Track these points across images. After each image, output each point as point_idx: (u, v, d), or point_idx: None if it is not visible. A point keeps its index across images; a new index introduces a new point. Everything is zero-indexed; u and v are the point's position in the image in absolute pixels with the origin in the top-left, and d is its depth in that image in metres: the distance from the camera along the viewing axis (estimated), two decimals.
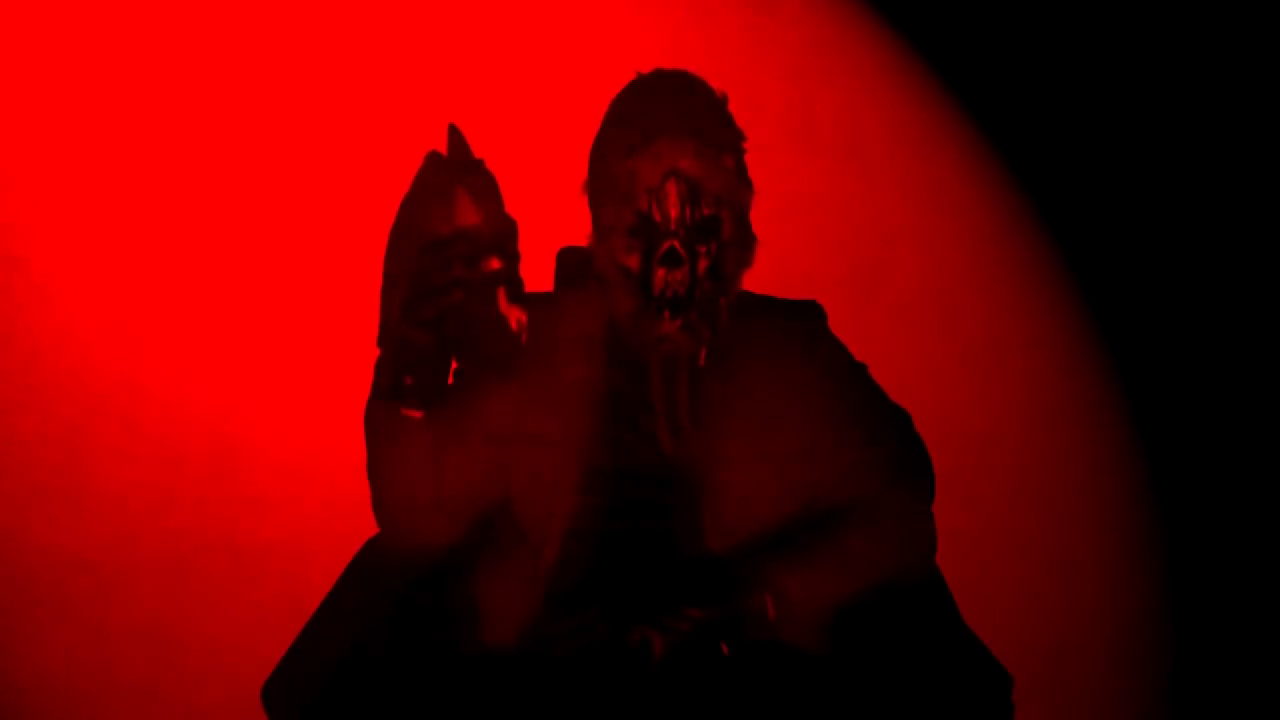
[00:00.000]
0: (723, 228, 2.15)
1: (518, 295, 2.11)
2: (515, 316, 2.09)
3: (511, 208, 2.41)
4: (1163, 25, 2.74)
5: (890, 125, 2.72)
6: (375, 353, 2.53)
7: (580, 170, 2.25)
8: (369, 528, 2.27)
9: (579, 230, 2.29)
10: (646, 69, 2.26)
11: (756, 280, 2.24)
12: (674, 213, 2.12)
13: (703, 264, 2.14)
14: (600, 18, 2.63)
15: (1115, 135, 2.76)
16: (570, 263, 2.55)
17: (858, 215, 2.72)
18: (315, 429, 2.58)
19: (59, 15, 2.52)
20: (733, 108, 2.23)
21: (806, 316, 2.29)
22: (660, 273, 2.12)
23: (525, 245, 2.15)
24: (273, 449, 2.58)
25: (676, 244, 2.12)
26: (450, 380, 2.26)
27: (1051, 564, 2.74)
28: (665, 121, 2.12)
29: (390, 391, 2.11)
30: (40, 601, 2.53)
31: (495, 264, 2.04)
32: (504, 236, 2.07)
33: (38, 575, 2.53)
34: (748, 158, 2.23)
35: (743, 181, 2.19)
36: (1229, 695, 2.75)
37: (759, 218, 2.23)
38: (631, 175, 2.12)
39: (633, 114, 2.16)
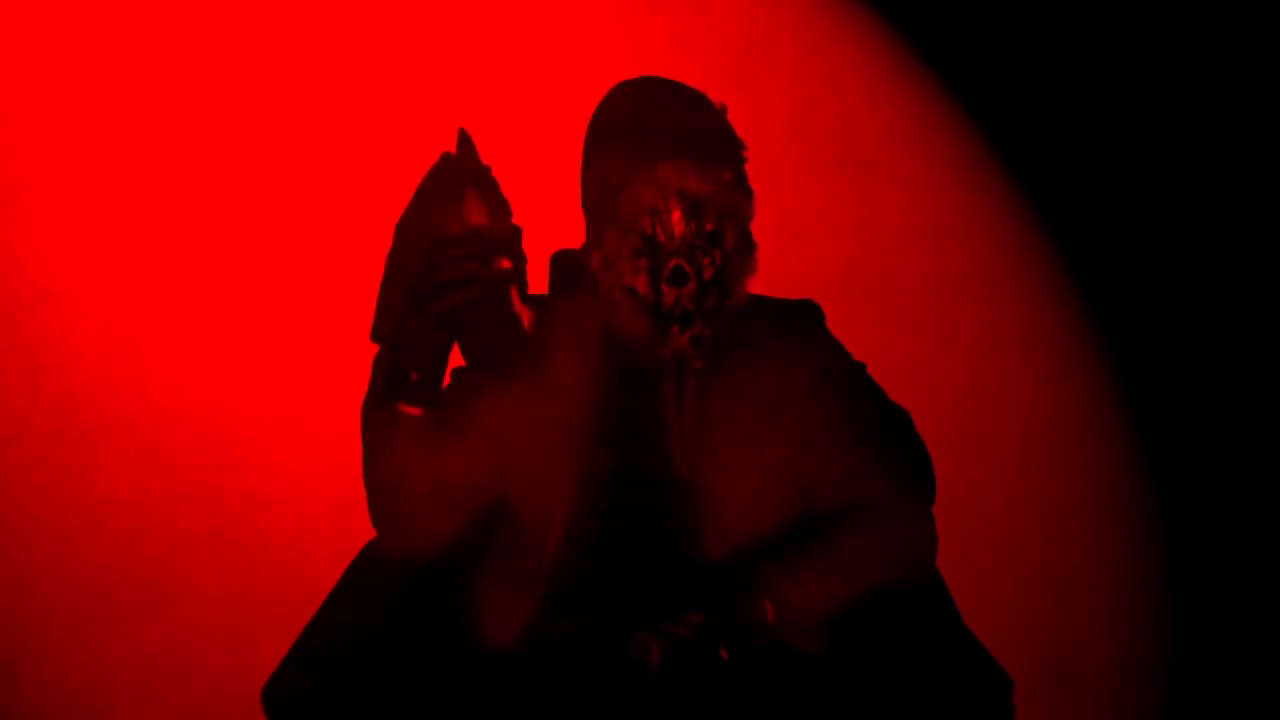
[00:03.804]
0: (725, 239, 2.15)
1: (526, 296, 2.11)
2: (527, 316, 2.09)
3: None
4: (1163, 25, 2.74)
5: (890, 126, 2.72)
6: (375, 353, 2.53)
7: (575, 173, 2.25)
8: (369, 528, 2.26)
9: (574, 234, 2.29)
10: (646, 72, 2.25)
11: (756, 280, 2.24)
12: (678, 231, 2.12)
13: (708, 274, 2.14)
14: (599, 20, 2.63)
15: (1115, 135, 2.76)
16: (564, 266, 2.54)
17: (858, 216, 2.72)
18: (315, 429, 2.58)
19: (60, 17, 2.51)
20: (732, 109, 2.23)
21: (803, 316, 2.29)
22: (668, 291, 2.13)
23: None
24: (272, 449, 2.58)
25: (682, 262, 2.12)
26: (445, 380, 2.25)
27: (1051, 565, 2.74)
28: (663, 143, 2.12)
29: (390, 387, 2.10)
30: (41, 602, 2.53)
31: (506, 263, 2.04)
32: (512, 238, 2.07)
33: (39, 576, 2.53)
34: (748, 158, 2.23)
35: (743, 192, 2.19)
36: (1229, 695, 2.75)
37: (759, 218, 2.23)
38: (633, 200, 2.12)
39: (627, 133, 2.16)
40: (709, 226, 2.14)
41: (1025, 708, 2.15)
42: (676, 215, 2.12)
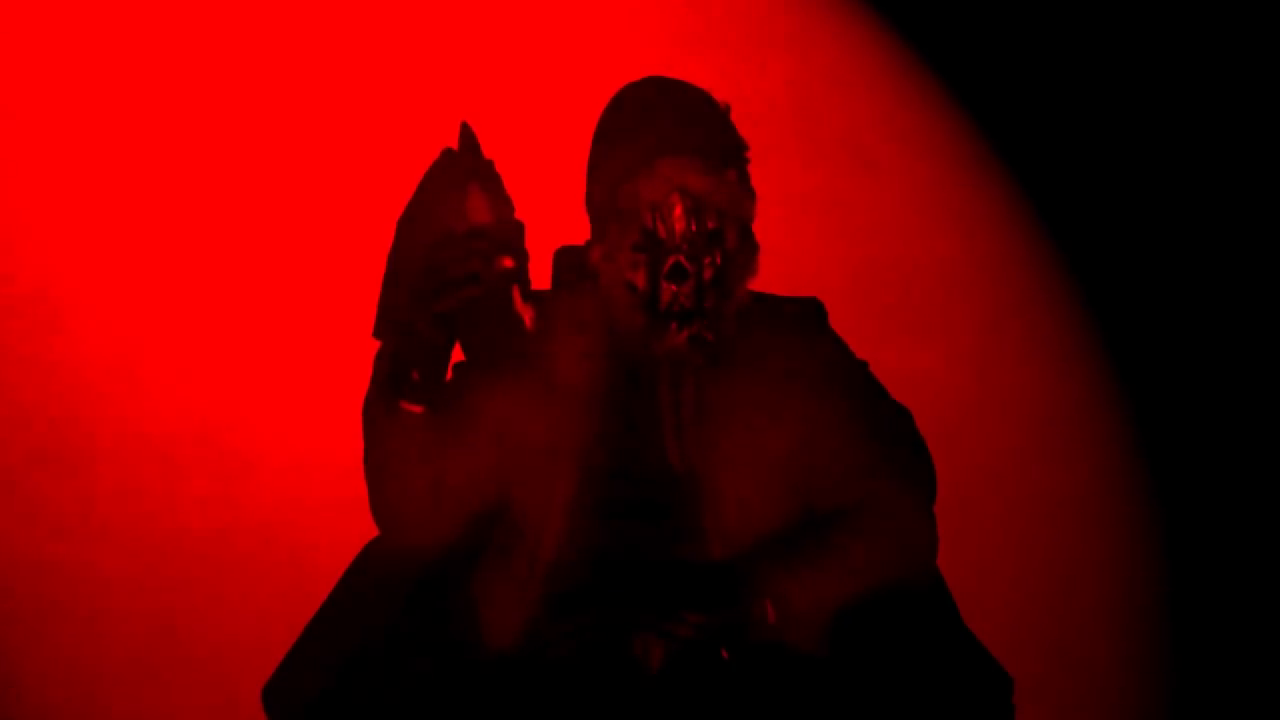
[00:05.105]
0: (727, 239, 2.16)
1: (528, 294, 2.11)
2: (529, 315, 2.09)
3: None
4: (1163, 25, 2.74)
5: (891, 126, 2.73)
6: (376, 351, 2.53)
7: (577, 169, 2.25)
8: (369, 528, 2.27)
9: (576, 230, 2.29)
10: (647, 71, 2.26)
11: (758, 280, 2.24)
12: (679, 228, 2.13)
13: (708, 274, 2.15)
14: (600, 20, 2.63)
15: (1115, 135, 2.76)
16: (567, 263, 2.55)
17: (858, 216, 2.72)
18: (315, 429, 2.58)
19: (60, 14, 2.52)
20: (735, 109, 2.23)
21: (807, 314, 2.30)
22: (667, 288, 2.13)
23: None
24: (274, 447, 2.58)
25: (682, 259, 2.12)
26: (447, 377, 2.25)
27: (1051, 565, 2.74)
28: (667, 140, 2.13)
29: (392, 385, 2.10)
30: (41, 602, 2.53)
31: (508, 262, 2.04)
32: (514, 236, 2.07)
33: (39, 577, 2.53)
34: (750, 158, 2.23)
35: (746, 192, 2.19)
36: (1229, 695, 2.75)
37: (761, 218, 2.23)
38: (635, 194, 2.12)
39: (632, 131, 2.16)
40: (710, 225, 2.14)
41: (1025, 708, 2.15)
42: (678, 211, 2.13)
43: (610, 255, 2.17)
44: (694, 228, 2.13)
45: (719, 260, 2.16)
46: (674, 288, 2.13)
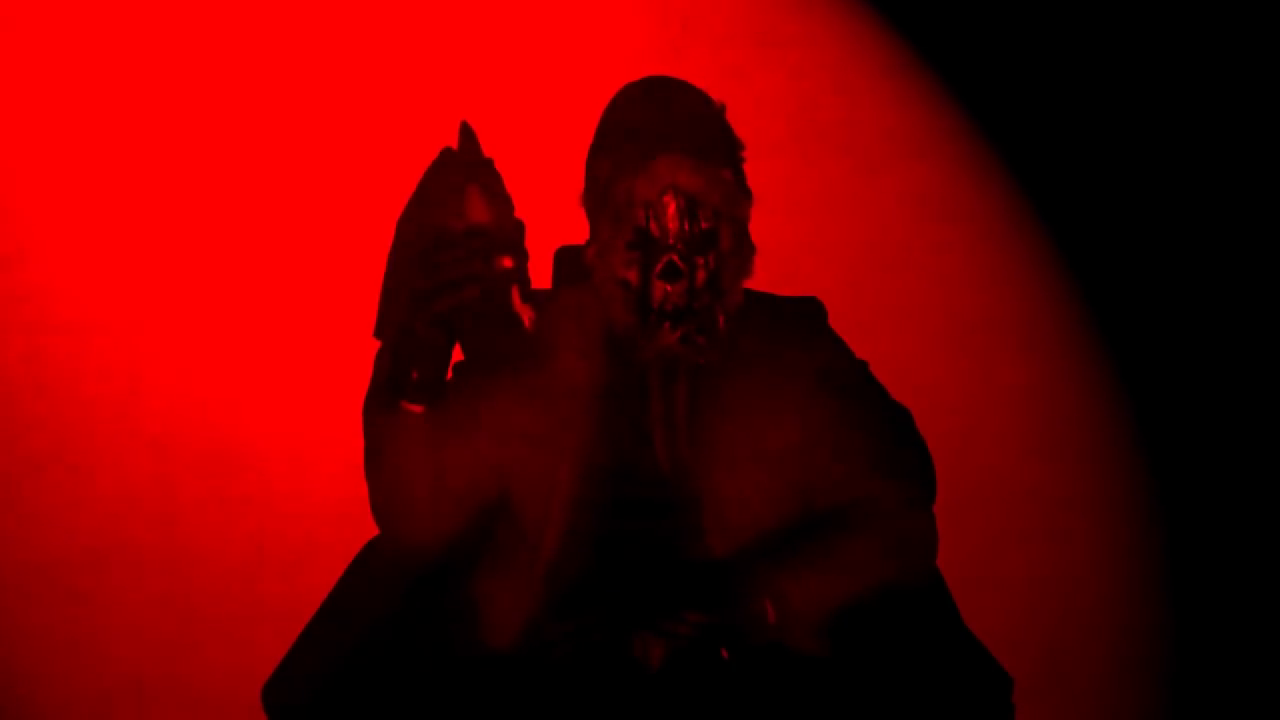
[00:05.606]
0: (721, 239, 2.15)
1: (528, 294, 2.11)
2: (528, 315, 2.09)
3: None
4: (1163, 25, 2.74)
5: (891, 126, 2.72)
6: (377, 351, 2.53)
7: (576, 169, 2.25)
8: (369, 528, 2.27)
9: (576, 230, 2.29)
10: (647, 71, 2.26)
11: (757, 280, 2.24)
12: (672, 226, 2.13)
13: (701, 275, 2.14)
14: (599, 19, 2.63)
15: (1115, 135, 2.76)
16: (568, 262, 2.55)
17: (858, 216, 2.72)
18: (315, 429, 2.58)
19: (60, 13, 2.52)
20: (733, 108, 2.23)
21: (806, 314, 2.29)
22: (659, 286, 2.13)
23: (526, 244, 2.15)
24: (274, 447, 2.58)
25: (675, 258, 2.12)
26: (448, 376, 2.25)
27: (1051, 564, 2.74)
28: (662, 138, 2.13)
29: (392, 385, 2.10)
30: (40, 601, 2.53)
31: (508, 262, 2.04)
32: (514, 235, 2.07)
33: (38, 576, 2.53)
34: (748, 157, 2.23)
35: (741, 192, 2.19)
36: (1229, 695, 2.75)
37: (761, 218, 2.23)
38: (629, 192, 2.12)
39: (628, 130, 2.16)
40: (704, 225, 2.14)
41: (1025, 708, 2.15)
42: (671, 210, 2.13)
43: (604, 253, 2.17)
44: (688, 227, 2.13)
45: (712, 262, 2.15)
46: (667, 287, 2.13)
